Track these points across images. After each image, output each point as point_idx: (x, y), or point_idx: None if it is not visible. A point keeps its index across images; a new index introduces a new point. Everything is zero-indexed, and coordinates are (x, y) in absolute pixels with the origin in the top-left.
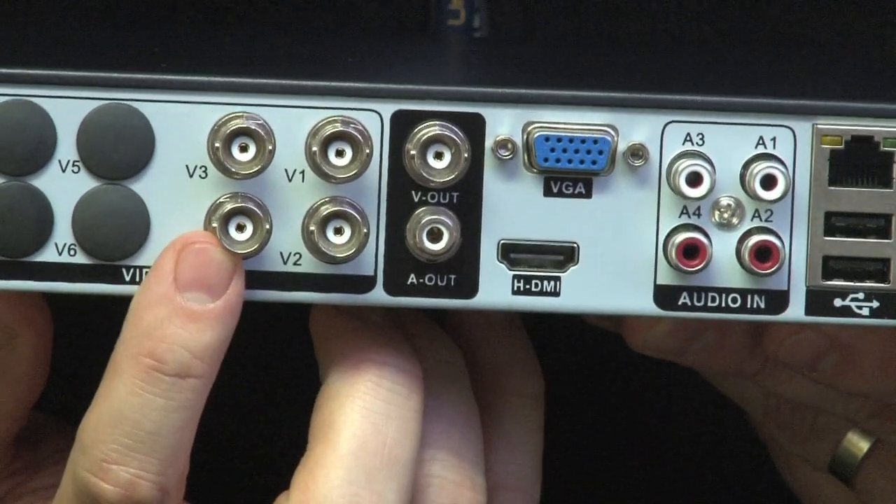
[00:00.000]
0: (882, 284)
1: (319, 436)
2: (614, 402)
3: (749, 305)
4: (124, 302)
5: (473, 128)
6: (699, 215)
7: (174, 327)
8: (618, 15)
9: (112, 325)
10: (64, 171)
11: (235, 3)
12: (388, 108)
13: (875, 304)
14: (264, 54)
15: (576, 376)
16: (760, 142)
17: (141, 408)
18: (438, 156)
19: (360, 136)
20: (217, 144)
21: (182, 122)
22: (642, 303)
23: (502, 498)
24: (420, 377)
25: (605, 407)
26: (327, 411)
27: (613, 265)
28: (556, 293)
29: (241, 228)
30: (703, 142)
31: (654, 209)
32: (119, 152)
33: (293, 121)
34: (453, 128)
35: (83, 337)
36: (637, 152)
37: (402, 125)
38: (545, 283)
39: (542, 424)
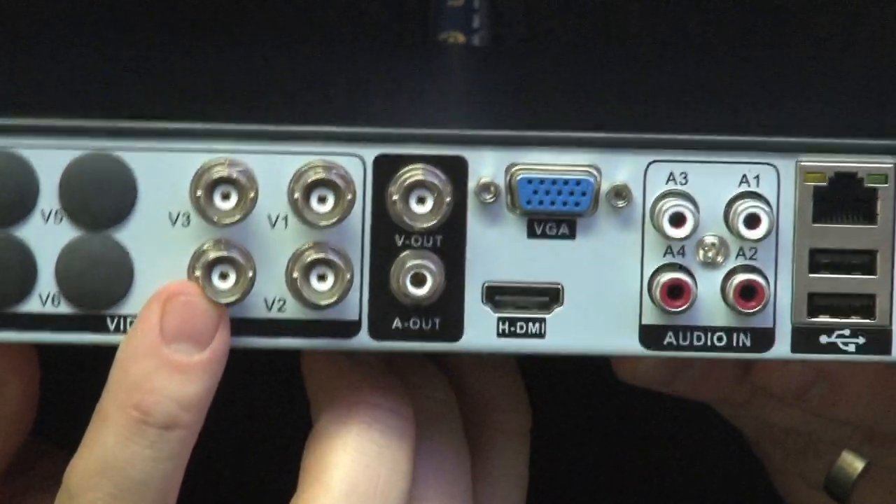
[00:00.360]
0: (868, 320)
1: (311, 477)
2: (603, 430)
3: (735, 344)
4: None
5: (456, 170)
6: (683, 255)
7: (161, 379)
8: (617, 23)
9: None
10: (46, 221)
11: (221, 16)
12: (370, 153)
13: (861, 340)
14: (248, 88)
15: (566, 403)
16: (744, 180)
17: (128, 458)
18: (421, 200)
19: (342, 182)
20: (199, 193)
21: (164, 169)
22: (628, 343)
23: None
24: (412, 418)
25: (595, 435)
26: (319, 452)
27: (598, 306)
28: (541, 335)
29: (224, 276)
30: (687, 181)
31: (638, 249)
32: (101, 201)
33: (275, 166)
34: (436, 171)
35: (74, 362)
36: (620, 193)
37: (385, 169)
38: (530, 324)
39: (527, 460)
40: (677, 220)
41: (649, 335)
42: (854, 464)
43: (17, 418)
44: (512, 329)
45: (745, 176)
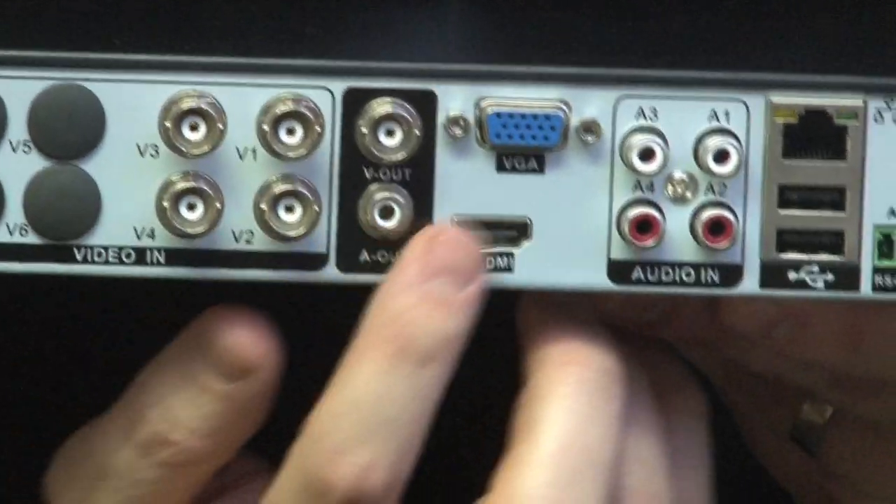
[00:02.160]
0: (836, 257)
1: (521, 434)
2: None
3: (703, 279)
4: None
5: (425, 104)
6: (652, 190)
7: (422, 313)
8: None
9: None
10: (15, 151)
11: None
12: (339, 86)
13: (830, 276)
14: (218, 20)
15: None
16: (714, 116)
17: (382, 394)
18: (390, 133)
19: (311, 115)
20: (167, 124)
21: (132, 101)
22: (596, 278)
23: None
24: (625, 381)
25: None
26: (529, 410)
27: (566, 241)
28: (509, 269)
29: (192, 208)
30: (656, 116)
31: (607, 184)
32: (70, 132)
33: (244, 99)
34: (405, 105)
35: None
36: (590, 128)
37: (354, 102)
38: (498, 259)
39: (709, 442)
40: (647, 155)
41: (617, 270)
42: (820, 412)
43: (260, 408)
44: None
45: (714, 112)
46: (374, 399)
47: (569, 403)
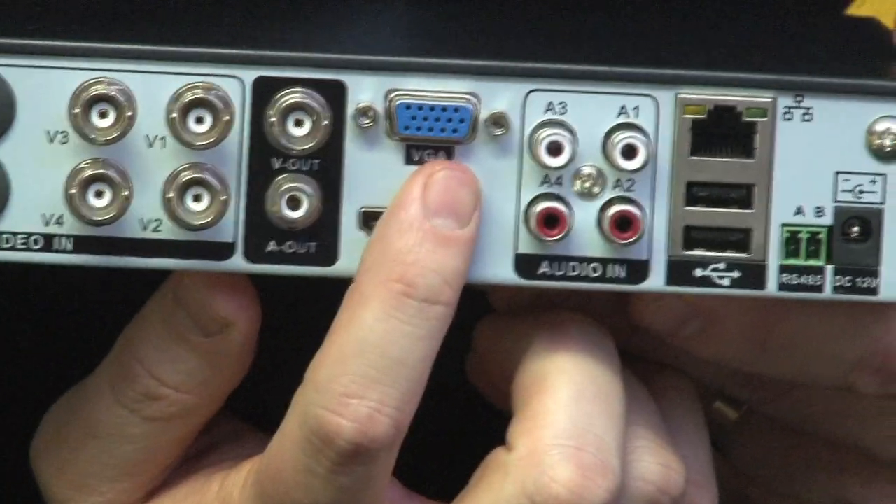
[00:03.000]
0: (743, 254)
1: (532, 390)
2: None
3: (610, 275)
4: None
5: (335, 95)
6: (560, 184)
7: (425, 252)
8: None
9: None
10: None
11: None
12: (249, 75)
13: (736, 273)
14: (130, 6)
15: None
16: (623, 111)
17: (387, 334)
18: (299, 123)
19: (220, 103)
20: (76, 110)
21: (43, 87)
22: (503, 272)
23: (692, 492)
24: (610, 334)
25: None
26: (535, 368)
27: None
28: None
29: (99, 195)
30: (566, 110)
31: (515, 178)
32: None
33: (154, 86)
34: (314, 94)
35: None
36: (498, 121)
37: (264, 91)
38: None
39: (703, 415)
40: (555, 149)
41: (524, 264)
42: (730, 411)
43: (240, 360)
44: None
45: (623, 107)
46: (382, 340)
47: (574, 355)
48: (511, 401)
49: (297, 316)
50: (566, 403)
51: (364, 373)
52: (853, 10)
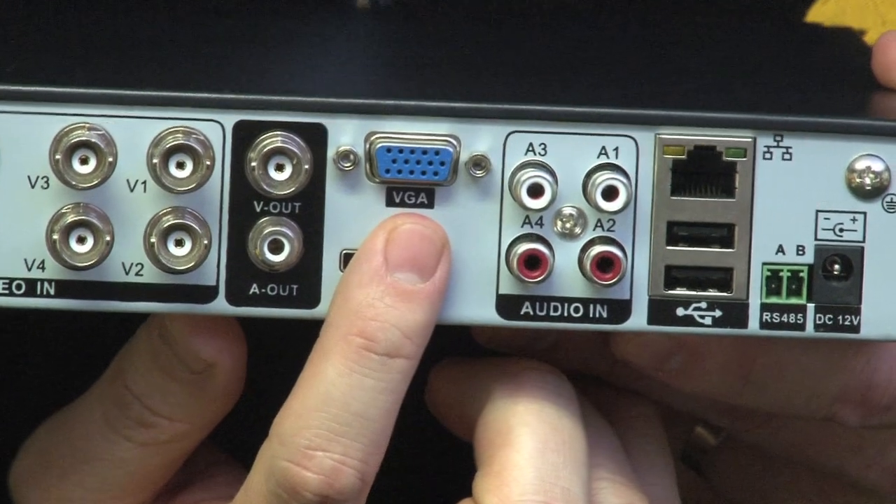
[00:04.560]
0: (724, 293)
1: (496, 444)
2: None
3: (591, 315)
4: None
5: (315, 138)
6: (541, 225)
7: (385, 306)
8: None
9: None
10: None
11: None
12: (229, 119)
13: (717, 313)
14: (111, 52)
15: None
16: (603, 151)
17: (350, 389)
18: (280, 167)
19: (200, 148)
20: (58, 156)
21: (24, 132)
22: (485, 313)
23: None
24: (569, 381)
25: None
26: (498, 420)
27: (456, 276)
28: None
29: (81, 240)
30: (546, 152)
31: (496, 219)
32: None
33: (135, 131)
34: (295, 138)
35: None
36: (479, 163)
37: (245, 135)
38: None
39: (667, 442)
40: (535, 191)
41: (506, 305)
42: (713, 435)
43: (228, 393)
44: None
45: (604, 148)
46: (344, 394)
47: (536, 406)
48: (475, 452)
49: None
50: (531, 456)
51: (328, 426)
52: (817, 8)
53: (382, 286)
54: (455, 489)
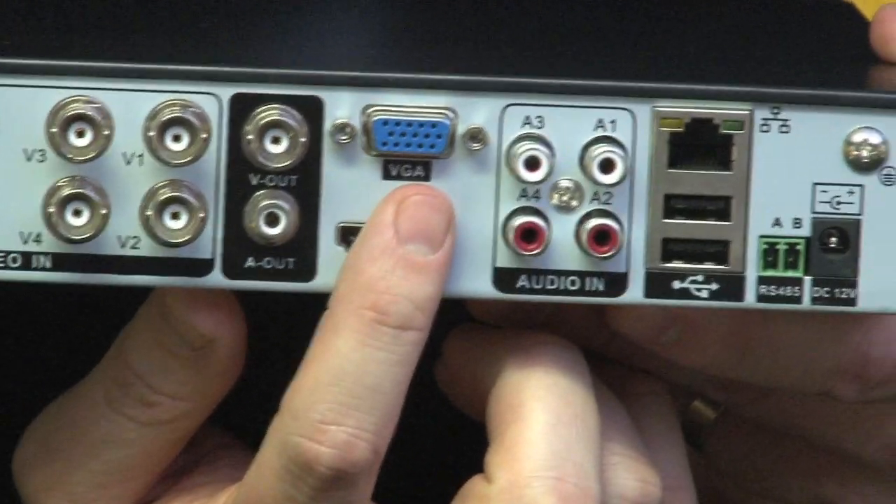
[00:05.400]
0: (721, 266)
1: (507, 419)
2: None
3: (588, 288)
4: None
5: (312, 111)
6: (538, 198)
7: (397, 278)
8: None
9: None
10: None
11: None
12: (226, 92)
13: (714, 286)
14: (107, 24)
15: None
16: (600, 124)
17: (362, 362)
18: (276, 140)
19: (197, 121)
20: (54, 129)
21: (20, 105)
22: (481, 286)
23: (669, 497)
24: (581, 353)
25: None
26: (510, 395)
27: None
28: None
29: (77, 213)
30: (543, 124)
31: (493, 192)
32: None
33: (131, 104)
34: (291, 111)
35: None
36: (476, 136)
37: (241, 108)
38: None
39: (678, 420)
40: (532, 163)
41: (503, 278)
42: (706, 411)
43: (230, 369)
44: None
45: (601, 120)
46: (356, 368)
47: (548, 380)
48: (487, 426)
49: (285, 323)
50: (543, 432)
51: (340, 400)
52: None
53: (394, 259)
54: (466, 463)
